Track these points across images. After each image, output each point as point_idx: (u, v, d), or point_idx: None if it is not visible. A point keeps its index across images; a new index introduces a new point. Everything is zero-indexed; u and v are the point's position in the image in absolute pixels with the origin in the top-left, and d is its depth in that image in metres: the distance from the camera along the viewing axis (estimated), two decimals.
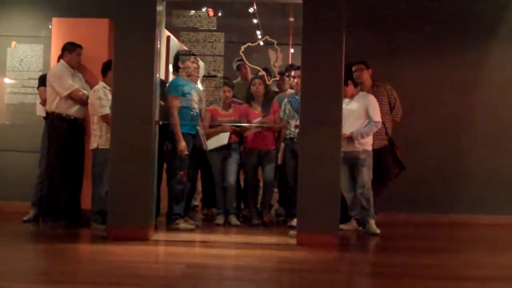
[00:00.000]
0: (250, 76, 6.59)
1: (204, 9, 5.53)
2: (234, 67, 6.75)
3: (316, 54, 5.00)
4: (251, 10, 7.58)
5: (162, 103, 5.43)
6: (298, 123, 5.23)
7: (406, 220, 6.23)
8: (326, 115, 4.95)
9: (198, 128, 5.66)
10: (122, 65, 5.04)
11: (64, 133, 5.56)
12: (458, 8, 6.52)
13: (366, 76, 5.93)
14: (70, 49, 5.66)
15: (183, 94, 5.52)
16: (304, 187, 4.94)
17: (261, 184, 6.18)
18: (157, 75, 5.14)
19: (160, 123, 5.18)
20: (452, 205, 6.42)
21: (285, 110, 5.91)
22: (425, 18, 6.51)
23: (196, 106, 5.61)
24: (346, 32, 5.01)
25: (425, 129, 6.44)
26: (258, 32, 8.02)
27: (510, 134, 6.55)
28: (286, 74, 6.13)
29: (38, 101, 6.05)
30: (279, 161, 5.90)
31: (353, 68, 5.92)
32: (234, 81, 6.44)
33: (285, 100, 5.96)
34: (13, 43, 6.51)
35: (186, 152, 5.42)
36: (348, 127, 5.46)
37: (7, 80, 6.51)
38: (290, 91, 5.97)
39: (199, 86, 5.87)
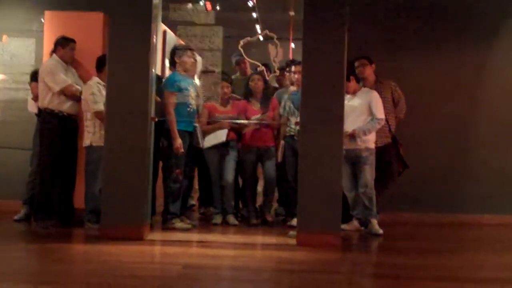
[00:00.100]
0: (249, 71, 6.60)
1: (201, 3, 5.55)
2: (233, 62, 6.76)
3: (317, 49, 5.01)
4: (250, 3, 7.58)
5: (158, 99, 5.45)
6: (298, 120, 5.24)
7: (409, 220, 6.25)
8: (328, 112, 4.97)
9: (196, 125, 5.67)
10: (117, 60, 5.05)
11: (56, 130, 5.56)
12: (461, 5, 6.53)
13: (369, 71, 5.94)
14: (63, 44, 5.66)
15: (180, 90, 5.53)
16: (304, 186, 4.95)
17: (260, 182, 6.20)
18: (153, 70, 5.16)
19: (156, 119, 5.19)
20: (456, 205, 6.44)
21: (284, 106, 5.92)
22: (429, 13, 6.52)
23: (193, 102, 5.62)
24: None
25: (428, 126, 6.45)
26: (258, 26, 8.03)
27: None
28: (287, 69, 6.14)
29: (30, 97, 6.05)
30: (279, 159, 5.91)
31: (356, 64, 5.92)
32: (233, 77, 6.45)
33: (285, 96, 5.97)
34: (4, 37, 6.51)
35: (182, 150, 5.43)
36: (350, 124, 5.47)
37: None
38: (292, 88, 5.98)
39: (197, 81, 5.89)
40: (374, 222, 5.57)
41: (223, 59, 5.44)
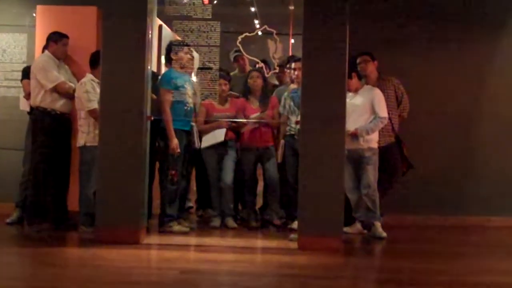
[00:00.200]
0: (248, 68, 6.59)
1: None
2: (231, 58, 6.75)
3: (318, 45, 5.00)
4: None
5: (154, 96, 5.44)
6: (299, 118, 5.23)
7: (414, 223, 6.25)
8: (329, 110, 4.97)
9: (193, 124, 5.65)
10: (111, 56, 5.04)
11: (49, 129, 5.54)
12: (464, 2, 6.51)
13: (371, 68, 5.93)
14: (55, 39, 5.65)
15: (176, 88, 5.51)
16: (305, 187, 4.95)
17: (260, 183, 6.19)
18: (149, 67, 5.14)
19: (152, 118, 5.18)
20: (462, 206, 6.44)
21: (284, 105, 5.91)
22: (434, 8, 6.51)
23: (190, 100, 5.61)
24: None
25: (432, 125, 6.43)
26: (256, 21, 8.02)
27: None
28: (287, 66, 6.13)
29: (22, 94, 6.03)
30: (279, 160, 5.89)
31: (358, 60, 5.92)
32: (231, 73, 6.44)
33: (285, 94, 5.96)
34: None
35: (179, 150, 5.42)
36: (352, 123, 5.46)
37: None
38: (292, 85, 5.97)
39: (194, 79, 5.87)
40: (378, 225, 5.57)
41: (221, 55, 5.42)
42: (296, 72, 5.81)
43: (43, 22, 5.94)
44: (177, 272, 4.13)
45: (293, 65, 5.93)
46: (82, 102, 5.43)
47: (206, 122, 5.91)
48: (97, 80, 5.34)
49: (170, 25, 5.70)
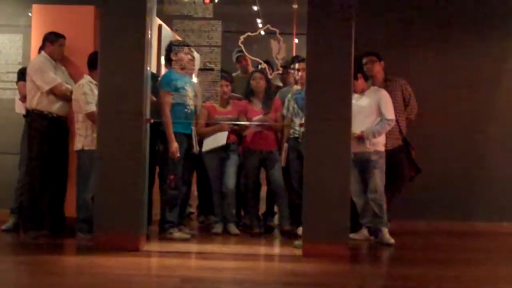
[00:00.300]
0: (251, 69, 6.60)
1: None
2: (234, 59, 6.75)
3: (322, 45, 5.00)
4: None
5: (154, 98, 5.44)
6: (303, 121, 5.22)
7: (422, 229, 6.25)
8: (334, 112, 4.96)
9: (192, 128, 5.64)
10: (109, 57, 5.04)
11: (46, 132, 5.54)
12: (475, 2, 6.52)
13: (378, 69, 5.93)
14: (52, 40, 5.65)
15: (177, 89, 5.51)
16: (310, 192, 4.94)
17: (263, 188, 6.17)
18: (148, 68, 5.14)
19: (152, 121, 5.18)
20: (472, 212, 6.44)
21: (288, 107, 5.90)
22: (442, 7, 6.50)
23: (191, 102, 5.61)
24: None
25: (441, 128, 6.43)
26: (259, 21, 8.02)
27: None
28: (291, 67, 6.12)
29: (17, 97, 6.04)
30: (282, 163, 5.88)
31: (364, 60, 5.92)
32: (233, 75, 6.44)
33: (289, 95, 5.95)
34: None
35: (179, 155, 5.41)
36: (358, 125, 5.45)
37: None
38: (296, 87, 5.96)
39: (194, 80, 5.87)
40: (385, 231, 5.56)
41: (223, 55, 5.41)
42: (300, 73, 5.80)
43: (39, 21, 5.95)
44: (178, 280, 4.12)
45: (297, 65, 5.92)
46: (79, 104, 5.43)
47: (207, 125, 5.91)
48: (95, 82, 5.34)
49: (170, 25, 5.71)
